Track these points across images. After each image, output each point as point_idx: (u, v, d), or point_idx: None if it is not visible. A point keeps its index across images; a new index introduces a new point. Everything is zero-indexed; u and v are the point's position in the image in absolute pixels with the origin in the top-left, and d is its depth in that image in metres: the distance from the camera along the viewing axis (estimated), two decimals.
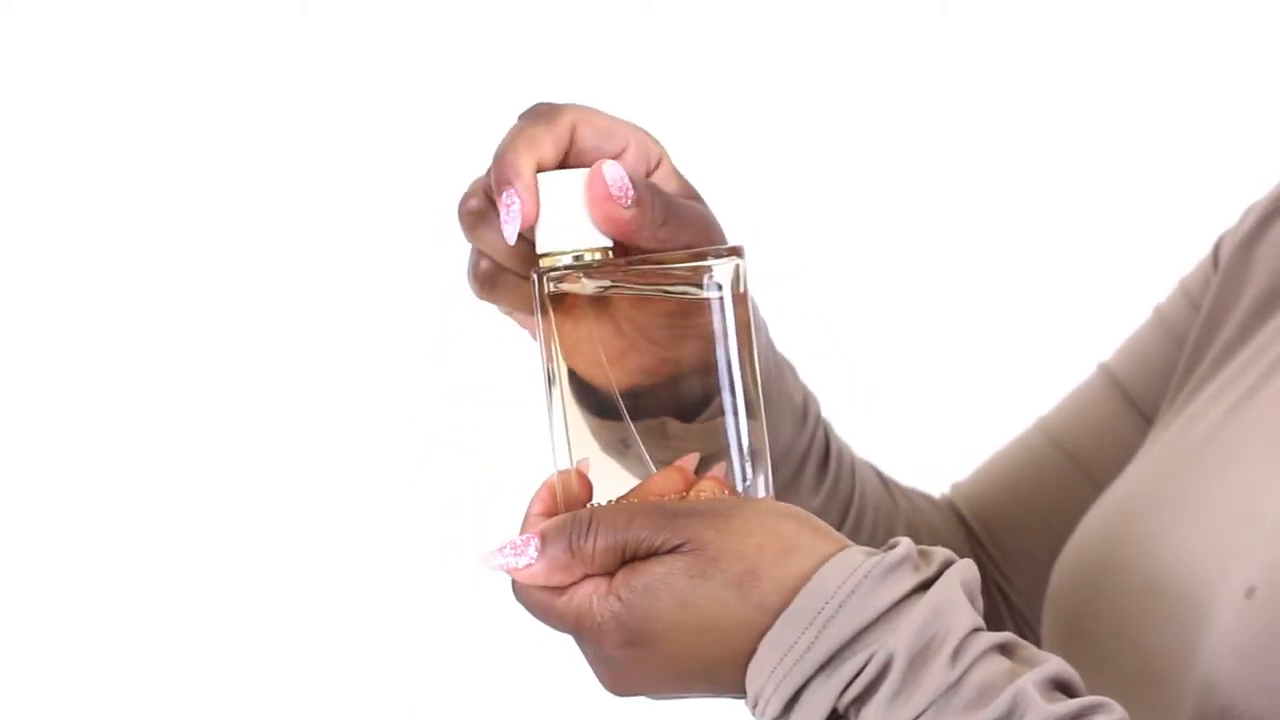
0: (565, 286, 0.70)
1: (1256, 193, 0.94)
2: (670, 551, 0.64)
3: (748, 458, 0.70)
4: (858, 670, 0.62)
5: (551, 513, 0.69)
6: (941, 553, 0.65)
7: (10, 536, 1.91)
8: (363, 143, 1.92)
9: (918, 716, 0.61)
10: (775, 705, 0.63)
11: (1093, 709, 0.61)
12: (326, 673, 1.91)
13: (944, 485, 1.03)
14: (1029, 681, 0.61)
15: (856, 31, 1.91)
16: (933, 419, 1.87)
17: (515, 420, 1.92)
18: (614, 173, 0.69)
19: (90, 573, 1.90)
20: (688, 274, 0.71)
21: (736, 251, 0.71)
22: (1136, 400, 0.95)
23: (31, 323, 1.92)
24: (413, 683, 1.93)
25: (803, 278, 1.85)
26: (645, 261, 0.71)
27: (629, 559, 0.65)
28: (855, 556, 0.64)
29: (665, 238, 0.71)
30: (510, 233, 0.69)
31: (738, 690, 0.65)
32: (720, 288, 0.70)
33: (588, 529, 0.65)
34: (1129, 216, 1.89)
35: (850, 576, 0.63)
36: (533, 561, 0.66)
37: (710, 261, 0.70)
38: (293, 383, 1.93)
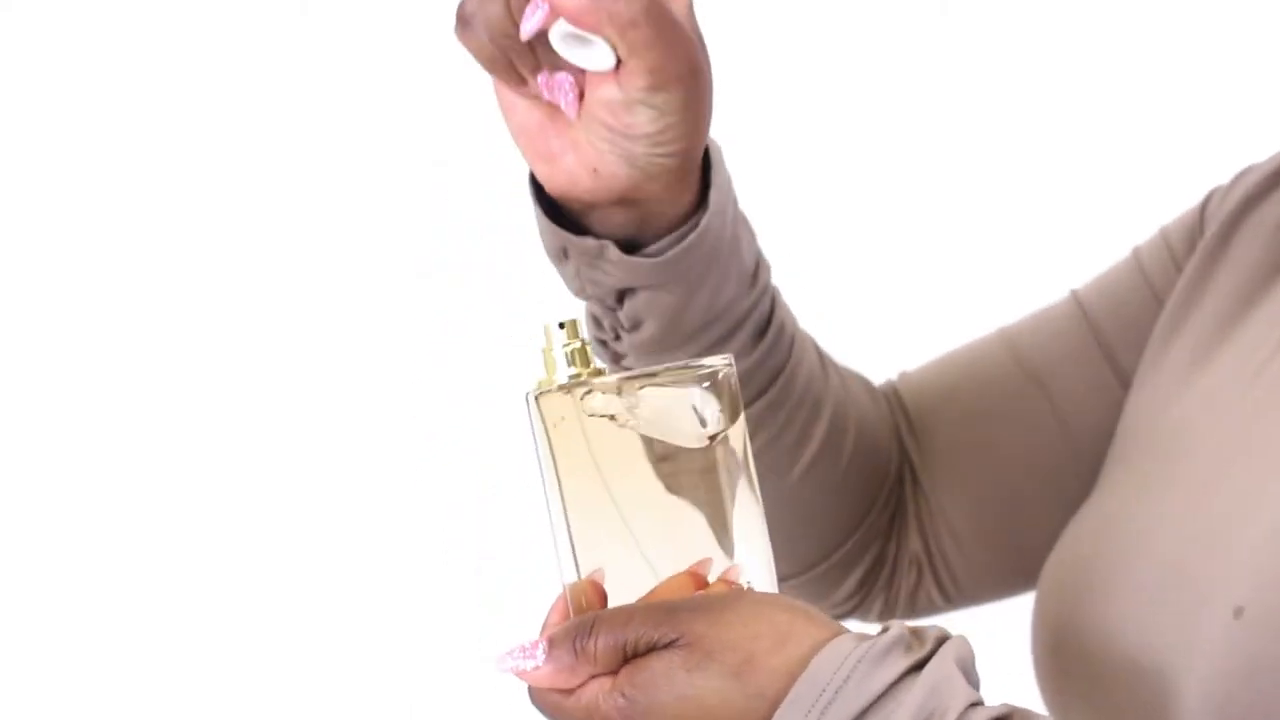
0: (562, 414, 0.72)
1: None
2: (668, 646, 0.66)
3: (754, 561, 0.73)
4: None
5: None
6: (935, 630, 0.67)
7: (9, 536, 1.91)
8: (362, 143, 1.92)
9: None
10: None
11: None
12: (326, 673, 1.91)
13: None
14: None
15: (857, 31, 1.91)
16: None
17: (515, 420, 1.91)
18: None
19: (90, 573, 1.90)
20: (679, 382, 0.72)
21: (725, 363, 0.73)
22: (1105, 342, 0.96)
23: (31, 322, 1.92)
24: (413, 683, 1.93)
25: (803, 278, 1.84)
26: (635, 377, 0.72)
27: (630, 656, 0.67)
28: (848, 643, 0.65)
29: (654, 64, 0.74)
30: (528, 29, 0.74)
31: None
32: (707, 422, 0.72)
33: (590, 630, 0.67)
34: (1130, 217, 1.88)
35: (845, 662, 0.64)
36: (540, 665, 0.68)
37: (697, 384, 0.72)
38: (293, 383, 1.93)
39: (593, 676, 0.68)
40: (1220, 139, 1.83)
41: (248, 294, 1.93)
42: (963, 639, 0.66)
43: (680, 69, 0.75)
